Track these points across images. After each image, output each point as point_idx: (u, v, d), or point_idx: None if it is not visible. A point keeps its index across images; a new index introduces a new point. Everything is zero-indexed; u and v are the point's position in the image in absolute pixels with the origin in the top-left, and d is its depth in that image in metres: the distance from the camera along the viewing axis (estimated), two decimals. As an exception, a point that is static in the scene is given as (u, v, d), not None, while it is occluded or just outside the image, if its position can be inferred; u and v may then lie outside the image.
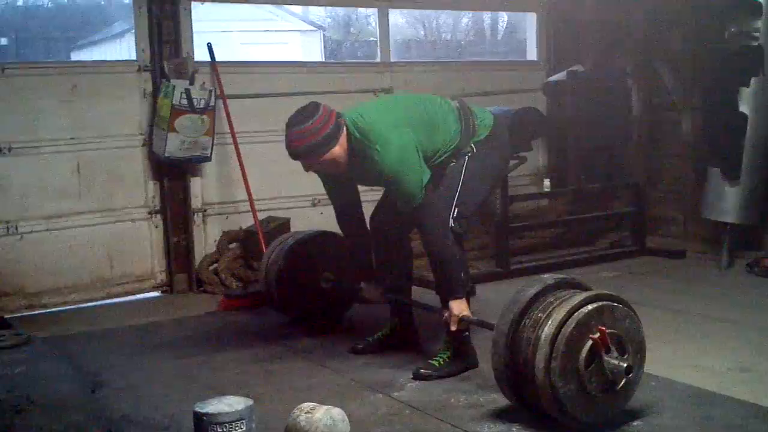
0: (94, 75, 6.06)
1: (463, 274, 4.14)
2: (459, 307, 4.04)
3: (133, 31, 6.28)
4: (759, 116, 6.19)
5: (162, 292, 6.29)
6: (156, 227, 6.24)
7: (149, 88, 6.11)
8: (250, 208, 6.14)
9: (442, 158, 4.17)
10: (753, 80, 6.15)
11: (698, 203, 6.73)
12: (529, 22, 8.29)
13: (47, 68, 6.06)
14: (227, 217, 6.49)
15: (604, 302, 3.34)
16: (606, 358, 3.25)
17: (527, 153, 6.75)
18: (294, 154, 4.00)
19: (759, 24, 6.11)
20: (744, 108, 6.18)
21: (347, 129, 4.03)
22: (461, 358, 4.19)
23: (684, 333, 4.83)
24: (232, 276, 6.16)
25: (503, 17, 13.29)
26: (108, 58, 12.64)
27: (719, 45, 6.40)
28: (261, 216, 6.21)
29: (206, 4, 6.55)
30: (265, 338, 4.97)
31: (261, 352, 4.70)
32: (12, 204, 5.71)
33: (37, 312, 5.76)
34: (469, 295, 4.22)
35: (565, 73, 7.22)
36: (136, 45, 6.18)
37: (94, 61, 8.79)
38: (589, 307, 3.29)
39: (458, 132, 4.20)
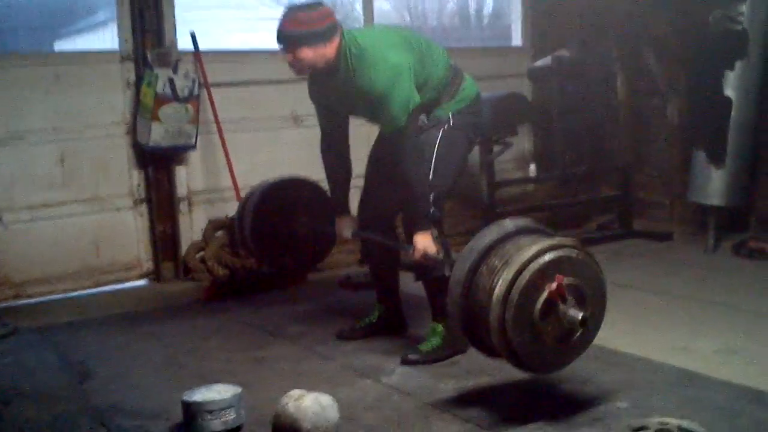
0: (77, 65, 6.00)
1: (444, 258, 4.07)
2: (423, 242, 3.96)
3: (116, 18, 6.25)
4: (744, 100, 6.20)
5: (149, 280, 6.26)
6: (141, 216, 6.21)
7: (132, 77, 6.07)
8: (235, 196, 6.12)
9: (426, 97, 4.10)
10: (738, 64, 6.16)
11: (684, 186, 6.75)
12: (514, 7, 8.28)
13: (30, 58, 6.00)
14: (213, 205, 6.46)
15: (562, 251, 3.26)
16: (562, 308, 3.19)
17: (513, 138, 6.76)
18: (280, 36, 3.97)
19: (743, 8, 6.12)
20: (729, 92, 6.19)
21: (343, 41, 4.00)
22: (449, 343, 4.18)
23: (671, 315, 4.84)
24: (218, 264, 6.14)
25: (488, 2, 13.28)
26: (92, 47, 12.55)
27: (704, 29, 6.41)
28: (247, 204, 6.19)
29: (190, -9, 6.52)
30: (253, 325, 4.97)
31: (249, 340, 4.69)
32: (-3, 194, 5.69)
33: (23, 302, 5.73)
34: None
35: (549, 58, 7.19)
36: (118, 35, 6.14)
37: (76, 51, 8.70)
38: (546, 257, 3.20)
39: (446, 79, 4.18)
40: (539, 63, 7.48)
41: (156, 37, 6.11)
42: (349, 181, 4.53)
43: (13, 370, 4.24)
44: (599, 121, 7.41)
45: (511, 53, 8.11)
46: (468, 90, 4.27)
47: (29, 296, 5.79)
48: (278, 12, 4.04)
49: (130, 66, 6.09)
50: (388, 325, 4.60)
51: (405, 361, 4.11)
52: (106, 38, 11.47)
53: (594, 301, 3.32)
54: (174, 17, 6.25)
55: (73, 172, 5.94)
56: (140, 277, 6.25)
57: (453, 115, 4.19)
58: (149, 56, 6.01)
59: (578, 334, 3.25)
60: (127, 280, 6.19)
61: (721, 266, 6.00)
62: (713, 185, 6.35)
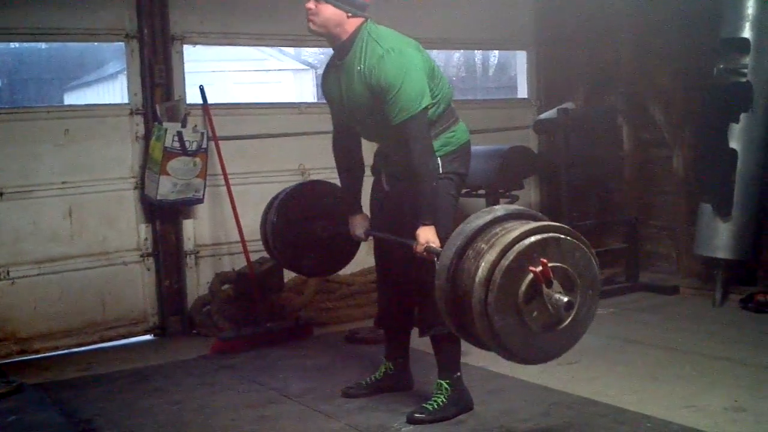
0: (86, 119, 6.07)
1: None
2: (426, 235, 3.90)
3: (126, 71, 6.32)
4: (749, 152, 6.20)
5: (155, 335, 6.25)
6: (148, 270, 6.23)
7: (141, 131, 6.13)
8: (242, 250, 6.13)
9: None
10: (742, 116, 6.17)
11: (691, 239, 6.74)
12: (520, 60, 8.35)
13: (40, 112, 6.08)
14: (220, 259, 6.49)
15: (550, 234, 3.17)
16: (547, 292, 3.09)
17: (519, 191, 6.78)
18: None
19: (747, 60, 6.15)
20: (734, 144, 6.20)
21: (365, 26, 4.01)
22: (456, 401, 4.15)
23: (678, 371, 4.80)
24: (224, 318, 6.13)
25: (494, 53, 13.41)
26: (101, 99, 12.73)
27: (708, 81, 6.44)
28: (254, 257, 6.19)
29: (198, 45, 6.59)
30: (258, 382, 4.94)
31: (254, 397, 4.66)
32: (4, 249, 5.70)
33: (29, 357, 5.71)
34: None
35: (555, 110, 7.25)
36: (128, 88, 6.22)
37: (86, 105, 8.82)
38: (532, 238, 3.12)
39: (441, 110, 4.11)
40: (545, 115, 7.53)
41: (165, 90, 6.18)
42: (362, 178, 4.51)
43: (17, 429, 4.22)
44: (605, 173, 7.42)
45: (516, 105, 8.18)
46: (458, 135, 4.20)
47: (35, 351, 5.77)
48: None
49: (139, 120, 6.15)
50: (395, 382, 4.56)
51: (411, 420, 4.08)
52: (115, 90, 11.63)
53: (584, 289, 3.20)
54: (183, 71, 6.34)
55: (80, 226, 5.97)
56: (146, 331, 6.24)
57: (441, 159, 4.11)
58: (158, 110, 6.07)
59: (567, 322, 3.15)
60: (133, 334, 6.18)
61: (728, 320, 5.96)
62: (720, 238, 6.33)
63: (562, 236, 3.20)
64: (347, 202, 4.53)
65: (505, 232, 3.20)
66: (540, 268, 3.06)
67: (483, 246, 3.20)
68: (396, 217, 4.21)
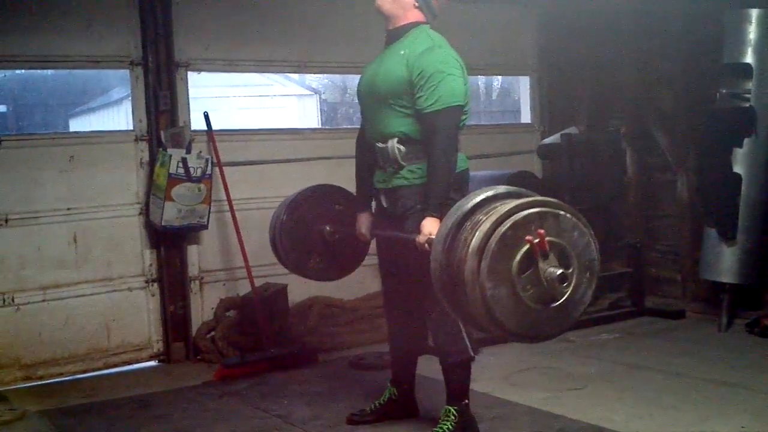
0: (91, 145, 6.08)
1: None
2: (430, 227, 3.84)
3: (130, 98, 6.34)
4: (753, 176, 6.22)
5: (159, 361, 6.23)
6: (153, 296, 6.21)
7: (146, 157, 6.14)
8: (247, 275, 6.13)
9: None
10: (746, 141, 6.20)
11: (696, 263, 6.73)
12: (523, 85, 8.36)
13: (45, 139, 6.09)
14: (224, 284, 6.48)
15: (549, 209, 3.12)
16: (542, 265, 3.04)
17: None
18: None
19: (749, 85, 6.18)
20: (738, 168, 6.21)
21: (424, 26, 4.13)
22: (462, 429, 4.13)
23: (685, 397, 4.78)
24: (229, 344, 6.11)
25: (497, 78, 13.45)
26: (106, 125, 12.80)
27: (711, 106, 6.46)
28: (258, 282, 6.19)
29: (203, 72, 6.61)
30: (263, 409, 4.92)
31: (258, 424, 4.64)
32: (8, 275, 5.69)
33: (33, 384, 5.69)
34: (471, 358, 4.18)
35: (559, 135, 7.25)
36: (132, 115, 6.23)
37: (91, 131, 8.86)
38: (531, 210, 3.08)
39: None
40: (548, 140, 7.53)
41: (170, 117, 6.19)
42: None
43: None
44: (609, 197, 7.42)
45: (520, 130, 8.18)
46: (459, 162, 4.16)
47: (39, 378, 5.75)
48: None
49: (144, 146, 6.16)
50: (400, 408, 4.53)
51: (416, 448, 4.07)
52: (120, 116, 11.68)
53: (581, 270, 3.15)
54: (188, 97, 6.35)
55: (85, 252, 5.96)
56: (150, 358, 6.21)
57: None
58: (163, 136, 6.08)
59: (561, 300, 3.09)
60: (138, 361, 6.16)
61: (734, 345, 5.94)
62: (725, 262, 6.32)
63: (562, 213, 3.15)
64: (358, 199, 4.56)
65: (505, 205, 3.17)
66: (537, 239, 3.01)
67: (481, 217, 3.18)
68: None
